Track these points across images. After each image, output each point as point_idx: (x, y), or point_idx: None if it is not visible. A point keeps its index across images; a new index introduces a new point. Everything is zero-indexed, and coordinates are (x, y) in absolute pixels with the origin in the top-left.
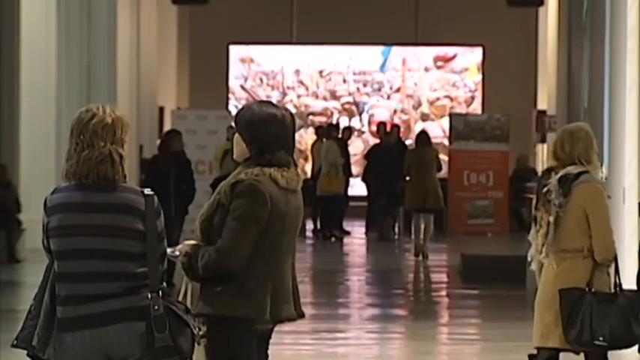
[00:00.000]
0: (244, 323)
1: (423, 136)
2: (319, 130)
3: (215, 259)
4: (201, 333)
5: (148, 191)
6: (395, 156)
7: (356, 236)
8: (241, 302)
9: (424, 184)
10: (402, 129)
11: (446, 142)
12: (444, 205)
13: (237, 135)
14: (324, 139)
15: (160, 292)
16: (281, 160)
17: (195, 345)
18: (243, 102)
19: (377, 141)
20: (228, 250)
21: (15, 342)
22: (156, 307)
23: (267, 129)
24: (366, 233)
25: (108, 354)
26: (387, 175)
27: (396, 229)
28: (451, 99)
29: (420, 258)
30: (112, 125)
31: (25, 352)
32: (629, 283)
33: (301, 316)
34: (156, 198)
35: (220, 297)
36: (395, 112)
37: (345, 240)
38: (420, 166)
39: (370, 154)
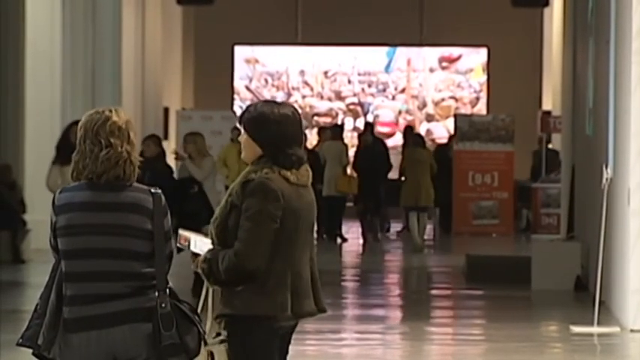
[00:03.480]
0: (267, 321)
1: (417, 137)
2: (321, 131)
3: (235, 262)
4: (221, 337)
5: (155, 190)
6: (375, 156)
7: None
8: (263, 300)
9: (418, 183)
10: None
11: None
12: (449, 205)
13: (245, 138)
14: (329, 140)
15: (168, 291)
16: (300, 158)
17: (222, 347)
18: (248, 102)
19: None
20: (246, 252)
21: (20, 340)
22: (163, 305)
23: (283, 130)
24: (375, 234)
25: (114, 355)
26: (369, 176)
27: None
28: (456, 100)
29: (419, 252)
30: (125, 127)
31: (30, 351)
32: (633, 283)
33: (322, 310)
34: (163, 197)
35: (241, 296)
36: (400, 112)
37: (350, 240)
38: (414, 166)
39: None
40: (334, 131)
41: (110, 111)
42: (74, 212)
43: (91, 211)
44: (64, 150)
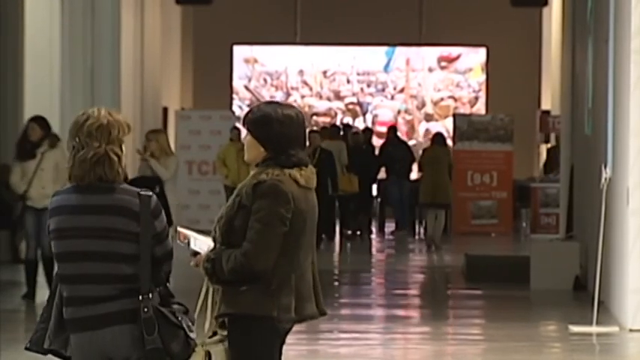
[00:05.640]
0: (269, 322)
1: (440, 137)
2: (321, 130)
3: (243, 263)
4: (218, 337)
5: (143, 192)
6: (366, 155)
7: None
8: (267, 301)
9: (436, 181)
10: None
11: (450, 142)
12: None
13: (249, 138)
14: (327, 139)
15: (151, 295)
16: (301, 159)
17: (220, 347)
18: (247, 102)
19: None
20: (255, 253)
21: (28, 345)
22: (145, 310)
23: (286, 130)
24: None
25: (108, 355)
26: (363, 175)
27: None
28: (455, 99)
29: (433, 249)
30: (107, 126)
31: (28, 352)
32: (632, 283)
33: (323, 313)
34: (154, 198)
35: (246, 296)
36: (399, 112)
37: (350, 240)
38: (433, 164)
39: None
40: (335, 131)
41: (93, 111)
42: (63, 215)
43: (78, 214)
44: (22, 146)
